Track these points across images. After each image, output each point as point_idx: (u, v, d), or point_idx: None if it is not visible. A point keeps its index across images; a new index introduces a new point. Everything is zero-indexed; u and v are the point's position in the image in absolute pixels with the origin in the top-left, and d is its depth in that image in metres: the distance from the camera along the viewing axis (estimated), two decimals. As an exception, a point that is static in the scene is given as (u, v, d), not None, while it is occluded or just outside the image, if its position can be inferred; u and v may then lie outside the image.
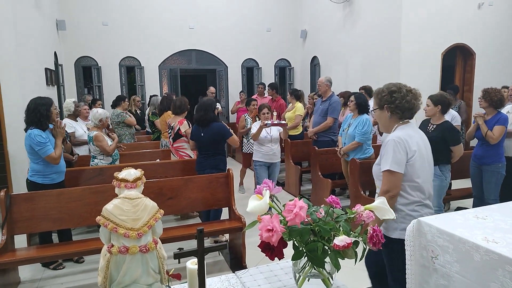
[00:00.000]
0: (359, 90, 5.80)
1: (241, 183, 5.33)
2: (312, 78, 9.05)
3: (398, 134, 1.98)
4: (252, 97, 7.26)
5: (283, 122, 4.07)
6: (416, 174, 1.96)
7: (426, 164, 2.01)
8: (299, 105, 5.69)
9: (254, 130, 4.23)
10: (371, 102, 5.69)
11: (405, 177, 1.95)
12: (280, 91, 9.26)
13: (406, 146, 1.95)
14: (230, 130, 3.72)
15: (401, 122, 2.04)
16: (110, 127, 4.62)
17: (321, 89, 4.94)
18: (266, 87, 6.90)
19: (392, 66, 6.31)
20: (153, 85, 8.54)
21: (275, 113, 4.50)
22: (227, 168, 3.68)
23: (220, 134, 3.68)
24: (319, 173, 4.70)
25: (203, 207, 3.56)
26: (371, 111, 5.00)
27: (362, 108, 4.07)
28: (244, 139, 5.17)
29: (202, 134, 3.68)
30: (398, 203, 1.98)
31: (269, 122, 3.98)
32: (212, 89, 7.45)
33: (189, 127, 4.08)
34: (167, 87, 8.85)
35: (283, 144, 5.34)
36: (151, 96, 6.34)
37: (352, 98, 4.12)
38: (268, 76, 9.34)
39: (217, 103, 7.68)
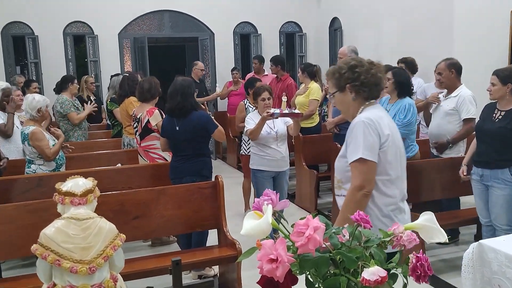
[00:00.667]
0: (398, 64, 5.87)
1: (246, 208, 5.23)
2: (331, 48, 9.08)
3: (366, 115, 2.11)
4: (248, 76, 7.35)
5: (297, 111, 3.92)
6: (390, 165, 2.08)
7: (399, 156, 2.15)
8: (314, 86, 5.74)
9: (251, 124, 4.13)
10: (417, 81, 5.78)
11: (377, 168, 2.06)
12: (288, 66, 9.34)
13: (378, 128, 2.07)
14: (215, 121, 3.80)
15: (367, 103, 2.18)
16: (53, 119, 4.64)
17: None
18: (268, 63, 6.99)
19: (442, 31, 6.34)
20: (111, 61, 8.57)
21: (285, 99, 4.43)
22: (213, 174, 3.74)
23: (202, 126, 3.70)
24: (304, 164, 4.91)
25: (183, 229, 3.59)
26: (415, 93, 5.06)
27: (403, 89, 4.11)
28: (244, 136, 5.05)
29: (177, 128, 3.72)
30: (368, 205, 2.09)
31: (277, 111, 3.85)
32: (200, 65, 7.49)
33: (162, 119, 4.16)
34: (130, 63, 8.89)
35: (292, 140, 5.36)
36: (112, 76, 6.37)
37: (389, 75, 4.14)
38: (270, 46, 9.34)
39: (216, 85, 7.87)
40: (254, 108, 4.78)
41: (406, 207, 2.22)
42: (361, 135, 2.05)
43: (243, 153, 5.11)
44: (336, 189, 2.24)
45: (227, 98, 8.12)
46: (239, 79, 8.01)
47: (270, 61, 6.72)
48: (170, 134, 3.78)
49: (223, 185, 3.57)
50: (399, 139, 2.20)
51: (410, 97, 4.18)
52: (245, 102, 5.06)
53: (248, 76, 7.42)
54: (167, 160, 4.30)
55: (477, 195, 3.61)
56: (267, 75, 7.51)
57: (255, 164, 4.21)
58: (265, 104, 4.10)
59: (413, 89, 4.27)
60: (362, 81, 2.13)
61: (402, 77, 4.13)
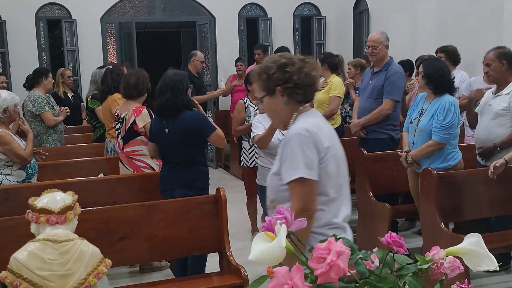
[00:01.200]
0: (436, 53, 5.88)
1: (254, 230, 5.24)
2: (356, 35, 9.06)
3: (302, 125, 2.15)
4: (249, 68, 7.33)
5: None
6: (330, 182, 2.16)
7: (341, 169, 2.24)
8: (336, 80, 5.71)
9: (259, 129, 4.09)
10: (460, 75, 5.76)
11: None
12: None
13: (316, 141, 2.12)
14: (212, 122, 3.84)
15: (301, 108, 2.23)
16: (21, 119, 4.67)
17: (377, 53, 5.01)
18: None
19: (490, 15, 6.30)
20: (92, 51, 8.61)
21: None
22: (213, 187, 3.75)
23: (197, 129, 3.74)
24: (370, 194, 4.75)
25: (178, 252, 3.59)
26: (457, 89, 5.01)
27: (438, 84, 4.11)
28: (244, 142, 5.07)
29: (166, 131, 3.76)
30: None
31: None
32: (200, 55, 7.50)
33: (151, 119, 4.19)
34: (115, 53, 8.95)
35: None
36: (99, 68, 6.34)
37: (420, 68, 4.18)
38: (282, 32, 9.36)
39: (220, 80, 7.81)
40: (255, 107, 4.80)
41: (349, 229, 2.30)
42: (299, 150, 2.09)
43: (244, 165, 5.09)
44: (269, 210, 2.29)
45: (230, 94, 8.14)
46: (245, 72, 7.96)
47: (256, 48, 6.77)
48: (159, 137, 3.81)
49: (225, 199, 3.56)
50: (340, 149, 2.27)
51: (451, 94, 4.17)
52: (245, 100, 5.02)
53: (250, 69, 7.43)
54: (154, 170, 4.31)
55: None
56: None
57: (263, 180, 4.09)
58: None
59: (453, 85, 4.24)
60: (295, 82, 2.17)
61: (433, 69, 4.12)
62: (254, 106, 4.90)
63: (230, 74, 8.34)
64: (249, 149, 4.99)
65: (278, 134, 4.01)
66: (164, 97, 3.72)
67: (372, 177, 4.79)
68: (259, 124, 4.08)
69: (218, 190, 3.61)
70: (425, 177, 4.01)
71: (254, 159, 4.92)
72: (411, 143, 4.25)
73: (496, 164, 3.79)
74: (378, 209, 4.61)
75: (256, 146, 4.27)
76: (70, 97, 6.90)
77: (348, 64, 6.69)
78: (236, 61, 8.22)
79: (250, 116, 4.88)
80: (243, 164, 5.11)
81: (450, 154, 4.13)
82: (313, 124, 2.15)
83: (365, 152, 4.81)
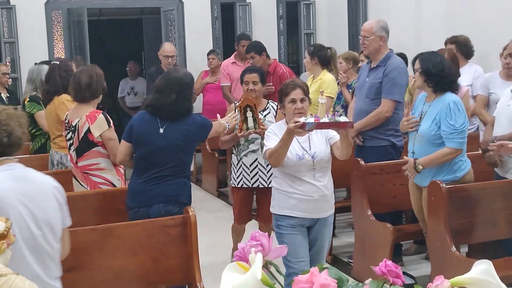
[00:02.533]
0: (446, 45, 5.94)
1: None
2: (351, 24, 9.05)
3: None
4: (225, 62, 7.45)
5: (344, 118, 3.71)
6: None
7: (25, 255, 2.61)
8: (328, 77, 5.79)
9: (271, 142, 3.83)
10: (473, 70, 5.84)
11: None
12: (290, 48, 9.25)
13: None
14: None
15: None
16: None
17: (368, 45, 5.09)
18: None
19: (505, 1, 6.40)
20: (34, 42, 8.53)
21: (322, 101, 4.39)
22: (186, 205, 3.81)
23: (198, 134, 4.09)
24: (369, 212, 4.75)
25: (139, 286, 3.57)
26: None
27: (438, 81, 4.17)
28: (234, 155, 5.06)
29: (161, 131, 3.91)
30: None
31: (311, 119, 3.59)
32: (167, 47, 7.42)
33: (109, 126, 4.24)
34: (62, 45, 8.85)
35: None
36: (38, 64, 6.19)
37: (417, 64, 4.27)
38: (264, 20, 9.35)
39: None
40: (252, 113, 4.76)
41: None
42: None
43: (232, 184, 5.11)
44: None
45: (201, 94, 8.13)
46: (219, 67, 7.99)
47: (248, 51, 6.74)
48: (147, 138, 3.90)
49: (195, 221, 3.55)
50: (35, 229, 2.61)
51: (454, 92, 4.22)
52: (237, 106, 4.95)
53: (226, 63, 7.54)
54: (114, 186, 4.30)
55: None
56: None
57: (279, 207, 3.94)
58: (297, 109, 3.81)
59: (455, 80, 4.31)
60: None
61: (431, 63, 4.17)
62: (251, 112, 4.75)
63: (202, 71, 8.31)
64: (237, 165, 4.98)
65: (297, 149, 3.81)
66: (166, 98, 3.91)
67: (371, 192, 4.79)
68: (273, 135, 3.84)
69: (186, 210, 3.62)
70: (433, 191, 4.01)
71: (242, 178, 4.95)
72: (411, 152, 4.29)
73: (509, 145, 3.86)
74: (379, 230, 4.62)
75: (270, 163, 4.08)
76: (4, 98, 6.81)
77: (338, 58, 6.74)
78: (208, 54, 8.19)
79: (245, 124, 4.81)
80: (231, 183, 5.14)
81: (457, 164, 4.16)
82: None
83: (362, 162, 4.80)
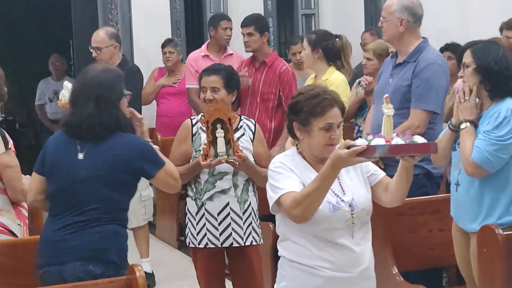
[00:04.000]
0: (501, 32, 6.00)
1: None
2: (368, 1, 9.01)
3: None
4: (192, 55, 7.43)
5: (420, 139, 3.39)
6: None
7: None
8: (336, 78, 5.66)
9: (289, 181, 3.35)
10: None
11: None
12: (283, 37, 9.37)
13: None
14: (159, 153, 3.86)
15: None
16: None
17: (385, 30, 5.07)
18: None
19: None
20: None
21: (389, 112, 3.98)
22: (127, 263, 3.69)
23: (131, 162, 3.74)
24: (395, 271, 4.66)
25: None
26: None
27: (500, 82, 4.08)
28: (189, 199, 4.62)
29: (80, 157, 3.75)
30: None
31: (380, 141, 3.28)
32: (94, 36, 6.84)
33: (7, 148, 4.23)
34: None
35: None
36: None
37: (468, 57, 4.14)
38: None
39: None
40: (222, 132, 4.40)
41: None
42: None
43: (190, 243, 4.61)
44: None
45: (154, 101, 7.89)
46: (180, 63, 7.81)
47: (245, 25, 6.55)
48: (61, 168, 3.74)
49: (144, 285, 3.45)
50: None
51: None
52: (194, 120, 4.66)
53: (194, 56, 7.30)
54: (15, 236, 4.21)
55: None
56: (231, 54, 7.37)
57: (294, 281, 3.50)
58: (332, 139, 3.39)
59: None
60: None
61: (491, 56, 4.11)
62: (221, 132, 4.44)
63: (155, 68, 8.13)
64: (196, 214, 4.53)
65: (331, 198, 3.35)
66: (83, 110, 3.71)
67: (398, 242, 4.70)
68: (289, 172, 3.39)
69: (132, 268, 3.47)
70: (485, 239, 3.93)
71: (206, 234, 4.50)
72: (454, 183, 4.21)
73: None
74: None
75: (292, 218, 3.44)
76: None
77: (364, 51, 6.54)
78: (164, 46, 7.93)
79: (200, 149, 4.47)
80: (189, 243, 4.65)
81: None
82: None
83: None
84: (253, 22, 6.56)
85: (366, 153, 3.13)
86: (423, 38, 5.04)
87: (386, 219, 4.65)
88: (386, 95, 3.84)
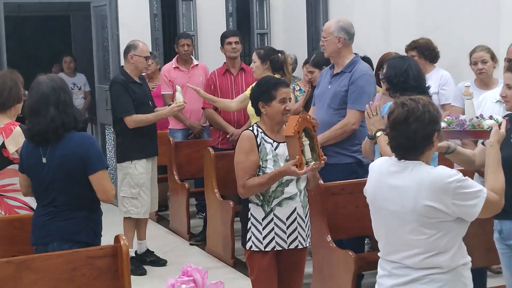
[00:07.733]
0: (406, 50, 6.14)
1: None
2: (309, 23, 9.07)
3: None
4: (166, 67, 7.65)
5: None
6: None
7: None
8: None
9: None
10: (440, 75, 6.02)
11: None
12: (243, 51, 9.19)
13: None
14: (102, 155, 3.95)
15: None
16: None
17: (326, 47, 5.23)
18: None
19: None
20: None
21: (469, 96, 3.88)
22: (100, 239, 3.88)
23: (80, 158, 3.76)
24: (329, 238, 4.78)
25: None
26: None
27: (400, 91, 4.11)
28: (254, 205, 4.15)
29: (44, 160, 3.81)
30: None
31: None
32: (141, 48, 6.37)
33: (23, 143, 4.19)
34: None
35: None
36: None
37: (384, 68, 4.38)
38: (211, 17, 9.41)
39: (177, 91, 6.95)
40: (275, 142, 4.14)
41: None
42: None
43: (252, 247, 4.14)
44: None
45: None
46: (157, 71, 8.03)
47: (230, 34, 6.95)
48: (33, 169, 3.84)
49: (127, 252, 3.52)
50: None
51: None
52: (257, 130, 4.17)
53: (167, 68, 7.65)
54: (34, 210, 4.19)
55: (504, 264, 3.81)
56: (197, 65, 7.69)
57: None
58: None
59: (428, 88, 4.35)
60: None
61: (395, 71, 4.25)
62: (270, 138, 4.14)
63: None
64: (262, 219, 4.11)
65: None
66: (45, 117, 3.71)
67: (331, 215, 4.82)
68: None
69: (117, 238, 3.55)
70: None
71: (275, 238, 4.09)
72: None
73: None
74: (339, 258, 4.65)
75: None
76: None
77: (303, 66, 6.70)
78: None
79: (268, 159, 4.11)
80: (249, 246, 4.15)
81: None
82: None
83: (321, 182, 4.77)
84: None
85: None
86: (355, 53, 5.28)
87: (323, 198, 4.84)
88: (468, 83, 4.20)
